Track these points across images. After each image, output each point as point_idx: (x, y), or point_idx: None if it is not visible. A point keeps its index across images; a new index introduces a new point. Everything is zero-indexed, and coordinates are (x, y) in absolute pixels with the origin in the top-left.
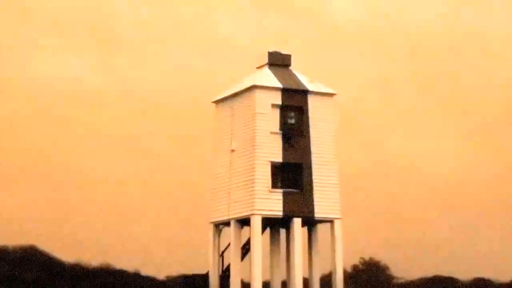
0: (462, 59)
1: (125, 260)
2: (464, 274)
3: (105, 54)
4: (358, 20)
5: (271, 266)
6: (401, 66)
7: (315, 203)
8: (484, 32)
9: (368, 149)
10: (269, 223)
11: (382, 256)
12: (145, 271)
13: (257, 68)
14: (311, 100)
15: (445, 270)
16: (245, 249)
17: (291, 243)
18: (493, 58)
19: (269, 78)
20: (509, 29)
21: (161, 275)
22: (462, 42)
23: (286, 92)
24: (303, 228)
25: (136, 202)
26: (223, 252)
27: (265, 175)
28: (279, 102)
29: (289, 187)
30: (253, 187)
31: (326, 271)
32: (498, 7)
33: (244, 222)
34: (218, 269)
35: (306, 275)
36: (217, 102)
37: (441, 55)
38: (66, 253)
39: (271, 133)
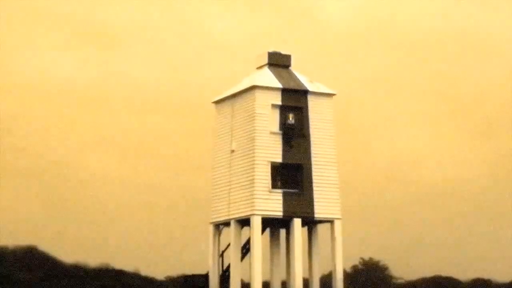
0: (459, 59)
1: (125, 260)
2: (464, 274)
3: (103, 53)
4: (356, 20)
5: (271, 266)
6: (399, 66)
7: (315, 203)
8: (482, 31)
9: (367, 149)
10: (269, 223)
11: (382, 256)
12: (145, 271)
13: (257, 68)
14: (311, 100)
15: (445, 270)
16: (245, 249)
17: (291, 243)
18: (490, 58)
19: (269, 78)
20: (507, 28)
21: (161, 275)
22: (460, 42)
23: (286, 92)
24: (303, 228)
25: (136, 202)
26: (223, 252)
27: (265, 175)
28: (279, 102)
29: (289, 188)
30: (253, 187)
31: (326, 271)
32: (496, 6)
33: (244, 222)
34: (218, 269)
35: (306, 275)
36: (217, 102)
37: (438, 55)
38: (66, 253)
39: (271, 133)
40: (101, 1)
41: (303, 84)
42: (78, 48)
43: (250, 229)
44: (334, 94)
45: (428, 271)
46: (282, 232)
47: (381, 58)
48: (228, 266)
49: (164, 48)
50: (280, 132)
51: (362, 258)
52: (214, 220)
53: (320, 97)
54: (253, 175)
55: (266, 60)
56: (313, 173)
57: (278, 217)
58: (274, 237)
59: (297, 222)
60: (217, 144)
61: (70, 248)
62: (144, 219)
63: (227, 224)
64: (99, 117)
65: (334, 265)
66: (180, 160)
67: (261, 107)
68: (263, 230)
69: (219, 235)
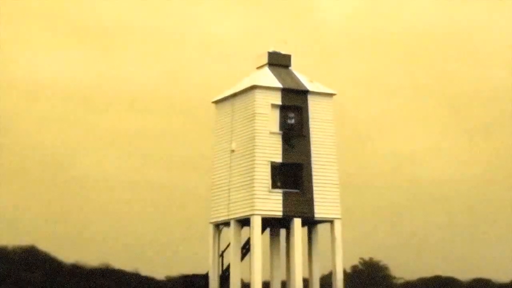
0: (457, 59)
1: (124, 260)
2: (464, 274)
3: (101, 53)
4: (356, 20)
5: (271, 266)
6: (398, 66)
7: (315, 203)
8: (480, 32)
9: (367, 149)
10: (269, 223)
11: (382, 256)
12: (145, 271)
13: (257, 68)
14: (311, 100)
15: (445, 270)
16: (245, 249)
17: (291, 243)
18: (490, 58)
19: (269, 78)
20: (504, 29)
21: (161, 275)
22: (458, 42)
23: (286, 92)
24: (303, 228)
25: (136, 202)
26: (223, 252)
27: (265, 175)
28: (279, 102)
29: (289, 187)
30: (253, 187)
31: (326, 271)
32: (496, 6)
33: (244, 222)
34: (218, 269)
35: (306, 275)
36: (217, 102)
37: (438, 55)
38: (66, 253)
39: (271, 133)
40: (99, 0)
41: (303, 84)
42: (76, 48)
43: (250, 229)
44: (334, 94)
45: (428, 271)
46: (282, 232)
47: (381, 58)
48: (228, 266)
49: (163, 47)
50: (280, 132)
51: (362, 258)
52: (214, 220)
53: (320, 97)
54: (253, 175)
55: (266, 60)
56: (313, 173)
57: (278, 217)
58: (274, 237)
59: (297, 222)
60: (217, 144)
61: (70, 248)
62: (144, 219)
63: (227, 224)
64: (98, 117)
65: (334, 265)
66: (180, 160)
67: (261, 107)
68: (263, 230)
69: (219, 235)
